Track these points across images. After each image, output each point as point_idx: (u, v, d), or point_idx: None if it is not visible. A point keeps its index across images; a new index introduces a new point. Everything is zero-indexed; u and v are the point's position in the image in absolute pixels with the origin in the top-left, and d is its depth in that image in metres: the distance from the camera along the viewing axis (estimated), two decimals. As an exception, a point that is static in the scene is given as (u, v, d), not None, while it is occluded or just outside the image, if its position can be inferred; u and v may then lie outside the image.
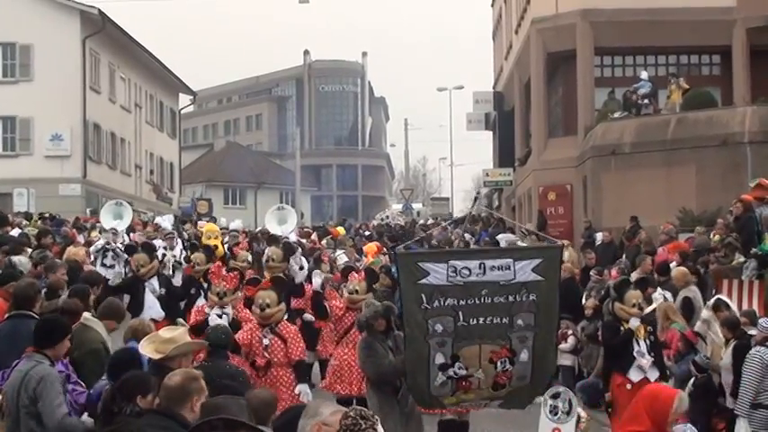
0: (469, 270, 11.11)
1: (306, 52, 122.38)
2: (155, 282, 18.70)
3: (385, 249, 29.45)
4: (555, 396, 11.07)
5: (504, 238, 31.40)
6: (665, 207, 31.29)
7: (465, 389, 11.56)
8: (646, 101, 36.31)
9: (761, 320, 13.41)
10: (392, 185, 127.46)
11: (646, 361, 13.53)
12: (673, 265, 20.80)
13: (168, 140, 70.41)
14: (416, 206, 64.91)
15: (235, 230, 28.90)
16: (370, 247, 28.87)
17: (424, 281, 11.09)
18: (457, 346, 11.33)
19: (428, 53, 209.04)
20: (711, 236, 24.31)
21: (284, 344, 13.19)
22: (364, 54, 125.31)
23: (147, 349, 9.56)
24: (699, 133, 33.57)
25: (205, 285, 18.34)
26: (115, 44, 56.97)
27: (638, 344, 13.64)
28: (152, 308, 18.01)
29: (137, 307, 17.51)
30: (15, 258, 18.81)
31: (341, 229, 39.31)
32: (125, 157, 60.08)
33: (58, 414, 9.34)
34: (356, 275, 17.34)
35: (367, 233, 36.25)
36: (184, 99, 75.16)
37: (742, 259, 20.34)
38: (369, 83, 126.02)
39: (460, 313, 11.20)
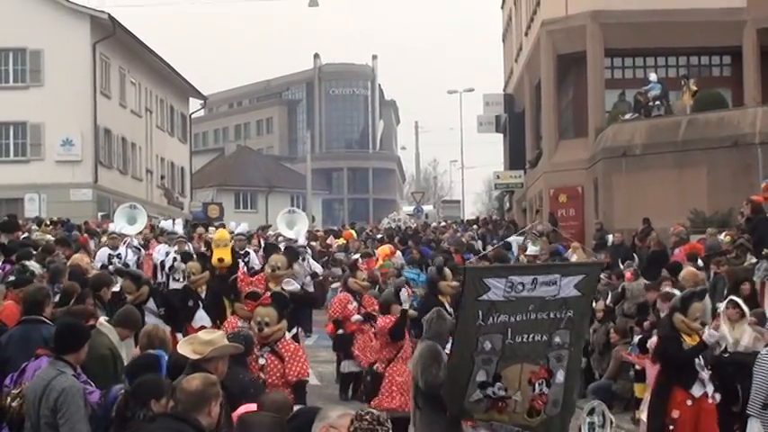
0: (523, 285, 10.79)
1: (316, 56, 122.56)
2: (151, 304, 17.72)
3: (398, 251, 29.40)
4: (591, 413, 10.84)
5: (515, 241, 31.37)
6: (676, 208, 31.26)
7: (499, 410, 11.21)
8: (657, 102, 36.30)
9: (769, 322, 13.35)
10: (403, 188, 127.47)
11: (706, 374, 13.05)
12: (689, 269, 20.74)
13: (179, 145, 70.46)
14: (426, 208, 64.84)
15: (241, 234, 28.79)
16: (383, 249, 28.81)
17: (484, 297, 10.72)
18: (501, 366, 11.03)
19: (438, 56, 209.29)
20: (723, 237, 24.28)
21: (282, 363, 12.13)
22: (374, 57, 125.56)
23: (185, 349, 9.54)
24: (710, 134, 33.56)
25: (202, 296, 18.40)
26: (125, 49, 57.02)
27: (699, 357, 13.07)
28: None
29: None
30: (28, 263, 18.86)
31: (352, 232, 39.38)
32: (136, 161, 60.12)
33: (79, 428, 9.30)
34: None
35: (379, 236, 36.22)
36: (195, 103, 75.24)
37: (754, 260, 20.31)
38: (379, 86, 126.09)
39: (509, 330, 10.90)
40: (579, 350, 11.64)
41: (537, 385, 11.11)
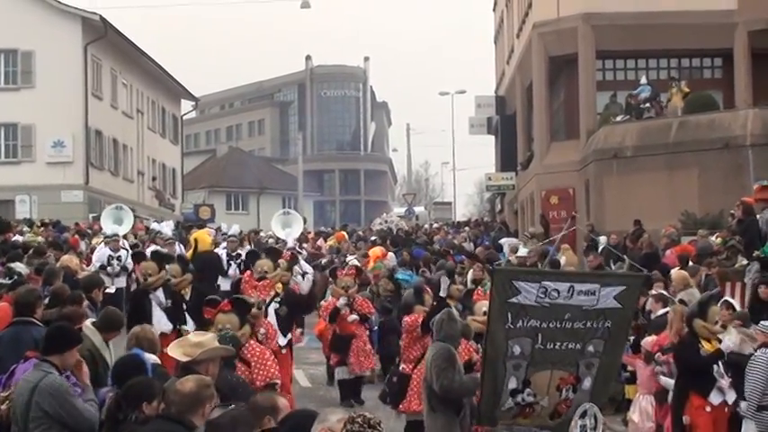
0: (558, 292, 10.76)
1: (308, 57, 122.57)
2: (161, 294, 17.50)
3: (390, 253, 29.36)
4: (583, 415, 10.46)
5: (506, 243, 31.41)
6: (667, 210, 31.31)
7: (525, 415, 11.30)
8: (647, 104, 36.36)
9: (762, 322, 13.33)
10: (395, 190, 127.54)
11: (725, 382, 12.98)
12: (679, 271, 20.74)
13: (170, 146, 70.44)
14: (417, 209, 64.89)
15: (233, 235, 28.79)
16: (374, 251, 28.81)
17: (513, 299, 10.73)
18: (530, 371, 11.08)
19: (430, 58, 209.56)
20: (714, 239, 24.30)
21: (248, 369, 11.74)
22: (366, 59, 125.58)
23: (175, 352, 9.55)
24: (701, 136, 33.62)
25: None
26: (117, 50, 56.98)
27: (718, 364, 13.03)
28: (160, 322, 16.98)
29: (143, 321, 14.47)
30: (13, 264, 18.87)
31: (344, 234, 39.38)
32: (127, 163, 60.07)
33: (87, 415, 9.29)
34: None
35: (372, 238, 36.23)
36: (186, 105, 75.28)
37: (745, 262, 20.31)
38: (371, 88, 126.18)
39: (539, 335, 10.90)
40: (615, 361, 11.71)
41: (564, 391, 11.22)
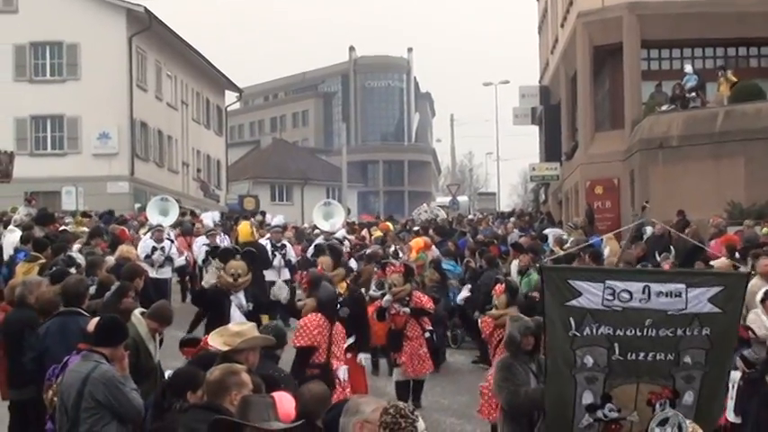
0: (630, 294, 9.43)
1: (351, 48, 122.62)
2: (242, 296, 15.92)
3: (434, 245, 29.25)
4: (662, 423, 9.25)
5: (551, 233, 31.27)
6: (713, 200, 31.04)
7: None
8: (693, 94, 36.09)
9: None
10: (438, 181, 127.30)
11: None
12: (723, 260, 20.55)
13: (215, 138, 70.73)
14: (461, 199, 64.76)
15: (277, 226, 28.78)
16: (417, 242, 28.69)
17: (573, 302, 9.44)
18: (609, 384, 9.64)
19: (473, 48, 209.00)
20: (760, 229, 24.11)
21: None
22: (410, 49, 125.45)
23: (216, 342, 9.65)
24: (747, 126, 33.33)
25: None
26: (161, 42, 57.26)
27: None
28: None
29: (221, 322, 13.46)
30: (73, 254, 19.00)
31: (389, 225, 39.30)
32: (172, 154, 60.39)
33: (135, 404, 9.35)
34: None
35: (415, 228, 36.10)
36: (230, 96, 75.57)
37: (792, 252, 20.10)
38: (414, 78, 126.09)
39: (616, 345, 9.53)
40: (722, 373, 10.13)
41: (658, 406, 9.74)
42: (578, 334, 9.49)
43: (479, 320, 14.71)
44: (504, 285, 14.69)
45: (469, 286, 21.63)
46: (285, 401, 7.87)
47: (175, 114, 61.08)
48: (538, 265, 13.23)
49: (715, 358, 9.77)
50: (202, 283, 23.02)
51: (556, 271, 10.38)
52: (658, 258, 23.21)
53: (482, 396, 13.76)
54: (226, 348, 9.42)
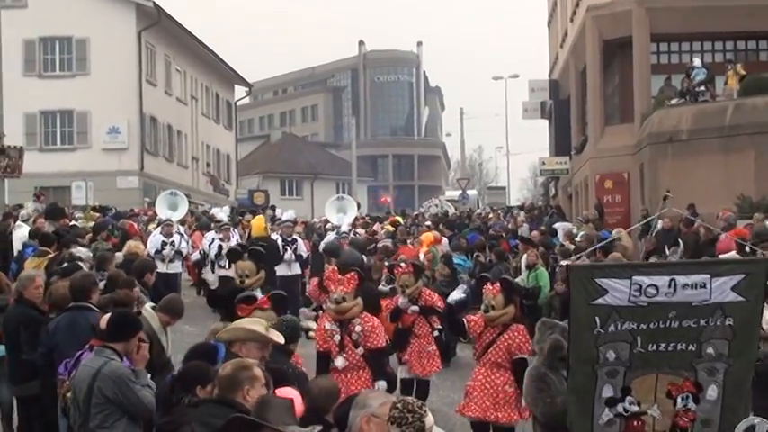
0: (657, 288, 9.27)
1: (361, 42, 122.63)
2: (258, 294, 14.66)
3: (444, 238, 29.21)
4: (749, 430, 8.91)
5: (561, 227, 31.25)
6: (723, 194, 30.98)
7: (635, 429, 9.63)
8: (702, 87, 36.02)
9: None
10: (448, 175, 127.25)
11: None
12: (732, 254, 20.52)
13: (224, 132, 70.78)
14: (471, 193, 64.76)
15: (288, 221, 28.74)
16: (427, 236, 28.62)
17: (599, 300, 9.29)
18: (629, 377, 9.52)
19: (483, 42, 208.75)
20: (770, 222, 24.05)
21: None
22: (419, 44, 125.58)
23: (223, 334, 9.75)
24: (757, 119, 33.24)
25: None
26: (171, 37, 57.32)
27: None
28: None
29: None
30: (75, 250, 18.99)
31: (399, 219, 39.31)
32: (182, 149, 60.47)
33: (146, 402, 9.33)
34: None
35: (427, 223, 36.08)
36: (240, 91, 75.69)
37: (802, 246, 20.06)
38: (424, 72, 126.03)
39: (639, 338, 9.40)
40: (747, 363, 9.82)
41: (680, 399, 9.62)
42: (603, 331, 9.36)
43: (464, 320, 14.11)
44: (498, 284, 13.74)
45: (464, 287, 21.17)
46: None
47: (185, 109, 61.16)
48: (552, 259, 12.86)
49: (738, 349, 9.60)
50: (203, 277, 22.99)
51: (582, 269, 10.25)
52: (668, 252, 23.20)
53: (467, 395, 13.44)
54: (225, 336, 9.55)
